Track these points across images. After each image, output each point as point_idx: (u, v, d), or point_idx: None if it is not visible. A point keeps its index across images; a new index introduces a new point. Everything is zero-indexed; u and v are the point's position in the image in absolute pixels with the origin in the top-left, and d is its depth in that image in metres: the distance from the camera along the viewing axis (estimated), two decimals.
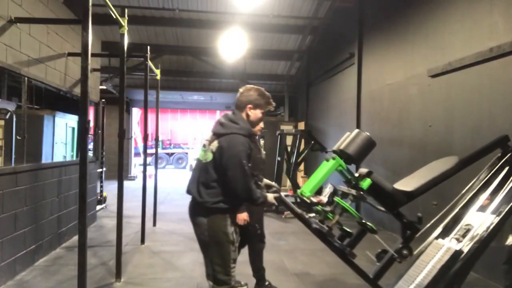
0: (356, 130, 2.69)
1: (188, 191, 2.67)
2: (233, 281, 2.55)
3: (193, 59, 11.99)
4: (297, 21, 10.12)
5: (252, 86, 2.78)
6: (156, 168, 6.71)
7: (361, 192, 2.64)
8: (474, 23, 4.57)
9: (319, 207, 2.70)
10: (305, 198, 2.57)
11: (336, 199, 2.73)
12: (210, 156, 2.53)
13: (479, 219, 2.65)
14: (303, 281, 4.16)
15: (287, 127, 12.25)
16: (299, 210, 2.67)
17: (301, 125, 12.22)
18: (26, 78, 4.60)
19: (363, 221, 2.68)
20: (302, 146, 8.49)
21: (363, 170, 2.68)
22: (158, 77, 6.73)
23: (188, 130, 26.58)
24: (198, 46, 11.31)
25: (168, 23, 10.03)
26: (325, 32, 10.10)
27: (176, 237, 5.99)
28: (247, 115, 2.68)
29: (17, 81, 6.11)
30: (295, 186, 8.21)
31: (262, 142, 8.56)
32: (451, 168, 2.75)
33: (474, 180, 2.93)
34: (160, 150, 20.16)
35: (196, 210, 2.61)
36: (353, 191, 2.67)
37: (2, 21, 3.78)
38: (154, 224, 6.61)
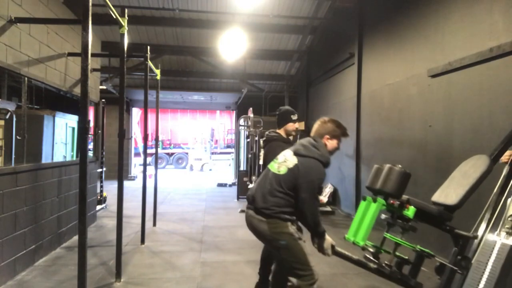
0: (387, 166, 2.71)
1: (252, 198, 2.79)
2: (316, 275, 2.63)
3: (193, 59, 11.99)
4: (297, 21, 10.12)
5: (329, 118, 2.93)
6: (156, 168, 6.71)
7: (409, 223, 2.67)
8: (474, 23, 4.57)
9: (373, 244, 2.76)
10: (360, 247, 2.68)
11: (386, 235, 2.76)
12: (284, 170, 2.69)
13: None
14: None
15: None
16: (355, 257, 2.77)
17: (301, 125, 12.22)
18: (26, 78, 4.59)
19: (419, 248, 2.69)
20: None
21: (404, 197, 2.70)
22: (158, 77, 6.73)
23: (188, 130, 26.60)
24: (198, 46, 11.31)
25: (168, 23, 10.03)
26: (325, 32, 10.10)
27: (176, 237, 5.99)
28: (325, 144, 2.82)
29: (17, 81, 6.10)
30: None
31: (262, 142, 8.55)
32: (486, 170, 2.72)
33: (505, 169, 2.90)
34: (160, 150, 20.20)
35: (258, 216, 2.70)
36: (400, 222, 2.71)
37: (2, 21, 3.78)
38: (154, 224, 6.61)
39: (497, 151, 2.87)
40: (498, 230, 2.65)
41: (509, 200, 2.76)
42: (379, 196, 2.73)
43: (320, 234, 2.71)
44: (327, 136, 2.81)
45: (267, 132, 3.88)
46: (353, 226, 2.77)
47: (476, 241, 2.76)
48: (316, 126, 2.89)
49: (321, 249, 2.73)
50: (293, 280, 2.61)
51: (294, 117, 3.74)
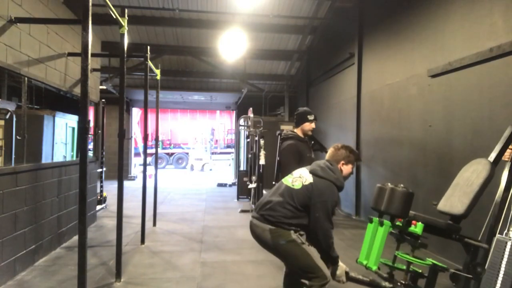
0: (390, 187, 2.71)
1: (261, 206, 2.82)
2: (328, 276, 2.62)
3: (193, 59, 12.00)
4: (297, 21, 10.12)
5: (342, 144, 2.99)
6: (156, 168, 6.70)
7: (419, 241, 2.67)
8: (474, 23, 4.57)
9: (385, 262, 2.78)
10: (373, 272, 2.69)
11: (398, 254, 2.76)
12: (299, 185, 2.75)
13: None
14: None
15: (287, 127, 12.24)
16: (369, 279, 2.79)
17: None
18: (26, 78, 4.59)
19: (431, 262, 2.70)
20: None
21: (410, 213, 2.71)
22: (158, 77, 6.73)
23: (188, 130, 26.61)
24: (198, 46, 11.31)
25: (168, 23, 10.03)
26: (325, 32, 10.10)
27: (176, 237, 5.99)
28: (340, 170, 2.89)
29: (17, 81, 6.11)
30: None
31: (262, 142, 8.55)
32: (489, 176, 2.72)
33: (507, 166, 2.89)
34: (160, 150, 20.20)
35: (261, 225, 2.74)
36: (409, 238, 2.72)
37: (2, 21, 3.78)
38: (154, 224, 6.61)
39: (496, 153, 2.86)
40: (507, 229, 2.64)
41: None
42: (385, 216, 2.74)
43: (333, 260, 2.72)
44: (343, 162, 2.88)
45: (284, 131, 4.02)
46: (363, 248, 2.79)
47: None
48: (330, 152, 2.97)
49: (334, 276, 2.74)
50: (305, 281, 2.64)
51: (311, 117, 3.91)
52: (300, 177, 2.79)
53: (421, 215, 2.71)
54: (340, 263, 2.75)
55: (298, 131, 3.92)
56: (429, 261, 2.68)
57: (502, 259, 2.55)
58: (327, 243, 2.65)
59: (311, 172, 2.79)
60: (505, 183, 2.84)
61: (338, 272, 2.73)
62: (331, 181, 2.71)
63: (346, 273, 2.76)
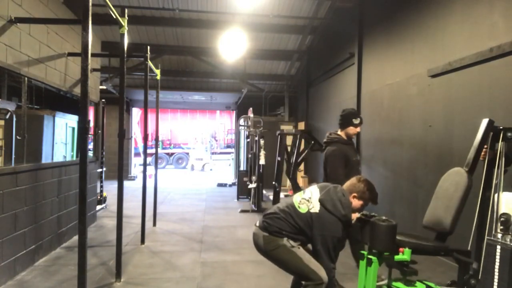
0: (370, 221, 2.65)
1: (265, 213, 2.89)
2: (324, 278, 2.60)
3: (193, 59, 12.00)
4: (297, 21, 10.12)
5: (366, 179, 2.90)
6: (156, 168, 6.71)
7: (409, 268, 2.63)
8: (474, 23, 4.57)
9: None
10: None
11: (392, 285, 2.73)
12: (304, 210, 2.74)
13: (510, 201, 2.60)
14: None
15: (287, 127, 12.27)
16: None
17: (301, 125, 12.23)
18: (26, 78, 4.59)
19: (426, 285, 2.68)
20: (302, 146, 8.48)
21: (398, 238, 2.65)
22: (158, 77, 6.73)
23: (188, 130, 26.62)
24: (198, 46, 11.31)
25: (168, 23, 10.04)
26: (325, 32, 10.10)
27: (176, 237, 5.99)
28: (350, 201, 2.82)
29: (17, 81, 6.10)
30: (295, 186, 8.21)
31: (262, 142, 8.56)
32: (467, 187, 2.68)
33: (485, 165, 2.88)
34: (160, 150, 20.20)
35: (258, 231, 2.81)
36: (398, 265, 2.67)
37: (2, 21, 3.78)
38: (154, 224, 6.61)
39: (471, 160, 2.82)
40: (494, 231, 2.63)
41: (495, 196, 2.74)
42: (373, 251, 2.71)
43: None
44: (355, 195, 2.81)
45: (327, 134, 3.88)
46: (360, 284, 2.76)
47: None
48: (350, 181, 2.89)
49: None
50: (302, 282, 2.67)
51: (356, 121, 3.73)
52: (308, 201, 2.76)
53: (407, 241, 2.63)
54: None
55: (342, 134, 3.76)
56: (420, 286, 2.64)
57: (495, 263, 2.53)
58: (329, 276, 2.63)
59: (321, 200, 2.73)
60: (485, 181, 2.82)
61: None
62: (337, 218, 2.65)
63: None
